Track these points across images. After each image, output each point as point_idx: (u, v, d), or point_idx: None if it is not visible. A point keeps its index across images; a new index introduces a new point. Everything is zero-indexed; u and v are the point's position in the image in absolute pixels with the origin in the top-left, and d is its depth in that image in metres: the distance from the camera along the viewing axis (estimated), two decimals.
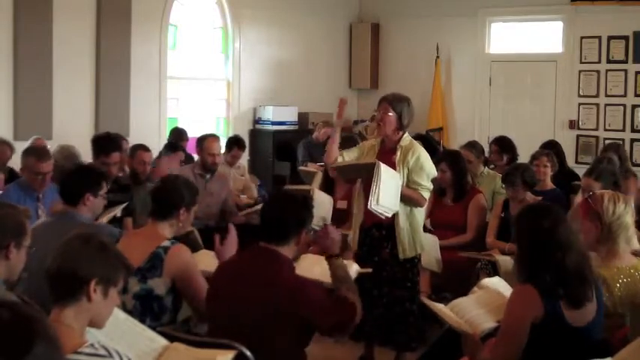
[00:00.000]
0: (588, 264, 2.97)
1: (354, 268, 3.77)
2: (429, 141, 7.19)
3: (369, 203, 4.21)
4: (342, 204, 5.95)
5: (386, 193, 4.22)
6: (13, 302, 1.67)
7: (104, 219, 4.47)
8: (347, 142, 6.05)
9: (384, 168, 4.26)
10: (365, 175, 4.35)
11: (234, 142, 7.44)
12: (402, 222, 4.50)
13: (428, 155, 4.61)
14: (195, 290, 3.39)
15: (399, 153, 4.52)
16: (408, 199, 4.47)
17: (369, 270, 4.18)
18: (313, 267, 3.67)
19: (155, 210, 3.57)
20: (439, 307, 3.27)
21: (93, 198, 3.84)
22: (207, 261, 3.74)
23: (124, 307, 3.32)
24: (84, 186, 3.84)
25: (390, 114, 4.53)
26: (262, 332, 2.98)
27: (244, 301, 3.03)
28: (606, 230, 3.34)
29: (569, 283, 2.85)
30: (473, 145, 6.46)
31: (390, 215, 4.33)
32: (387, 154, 4.55)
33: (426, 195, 4.55)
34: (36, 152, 5.14)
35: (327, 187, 6.07)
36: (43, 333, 1.58)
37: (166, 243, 3.45)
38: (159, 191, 3.65)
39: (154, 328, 2.94)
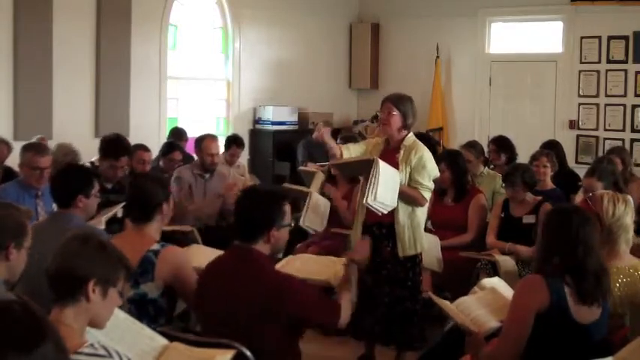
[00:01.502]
0: (606, 272, 2.99)
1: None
2: (429, 140, 7.18)
3: (365, 198, 4.21)
4: (343, 204, 5.95)
5: (384, 190, 4.22)
6: (25, 300, 1.68)
7: (102, 218, 4.45)
8: (348, 142, 6.07)
9: (382, 164, 4.26)
10: (364, 172, 4.36)
11: (233, 141, 7.44)
12: (403, 220, 4.50)
13: (431, 155, 4.62)
14: (190, 289, 3.35)
15: (402, 152, 4.53)
16: (408, 197, 4.47)
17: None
18: (306, 266, 3.67)
19: (138, 215, 3.50)
20: (446, 304, 3.27)
21: (85, 199, 3.77)
22: (200, 257, 3.73)
23: None
24: (75, 188, 3.76)
25: (394, 113, 4.55)
26: (252, 329, 2.97)
27: (230, 301, 3.03)
28: (606, 232, 3.34)
29: (585, 280, 2.88)
30: (472, 145, 6.47)
31: (386, 212, 4.33)
32: (391, 153, 4.57)
33: (427, 195, 4.55)
34: (34, 147, 5.14)
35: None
36: (52, 333, 1.59)
37: (156, 246, 3.39)
38: (134, 197, 3.57)
39: (152, 330, 2.93)
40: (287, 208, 3.19)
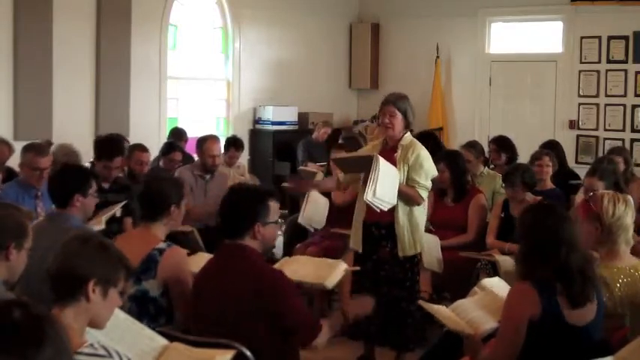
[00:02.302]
0: (591, 264, 2.98)
1: (342, 267, 3.76)
2: (434, 138, 7.19)
3: (364, 195, 4.21)
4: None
5: (383, 187, 4.22)
6: (26, 302, 1.67)
7: (102, 218, 4.45)
8: (348, 142, 6.10)
9: (382, 161, 4.26)
10: (364, 169, 4.36)
11: (232, 144, 7.43)
12: (402, 220, 4.50)
13: (428, 154, 4.62)
14: (184, 294, 3.36)
15: (399, 151, 4.54)
16: (405, 196, 4.46)
17: (357, 267, 4.19)
18: (302, 268, 3.66)
19: (145, 213, 3.53)
20: (437, 309, 3.27)
21: (82, 198, 3.77)
22: (202, 264, 3.74)
23: (120, 309, 3.32)
24: (72, 187, 3.76)
25: (396, 115, 4.55)
26: (241, 326, 2.96)
27: (221, 298, 3.03)
28: (606, 232, 3.34)
29: (572, 282, 2.86)
30: (472, 145, 6.46)
31: (386, 209, 4.32)
32: (389, 152, 4.57)
33: (424, 194, 4.54)
34: (35, 148, 5.15)
35: None
36: (54, 334, 1.58)
37: (162, 245, 3.43)
38: (146, 194, 3.59)
39: (152, 329, 2.93)
40: (272, 204, 3.17)
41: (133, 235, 3.61)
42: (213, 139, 6.36)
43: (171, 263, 3.38)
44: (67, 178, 3.85)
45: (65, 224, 3.63)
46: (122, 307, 3.27)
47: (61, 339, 1.61)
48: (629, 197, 3.57)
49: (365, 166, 4.31)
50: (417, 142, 4.65)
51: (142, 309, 3.35)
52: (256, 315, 2.97)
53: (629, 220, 3.38)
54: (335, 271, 3.63)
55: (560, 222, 2.95)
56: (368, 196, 4.19)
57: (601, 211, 3.35)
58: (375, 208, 4.29)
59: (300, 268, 3.63)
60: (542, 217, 2.99)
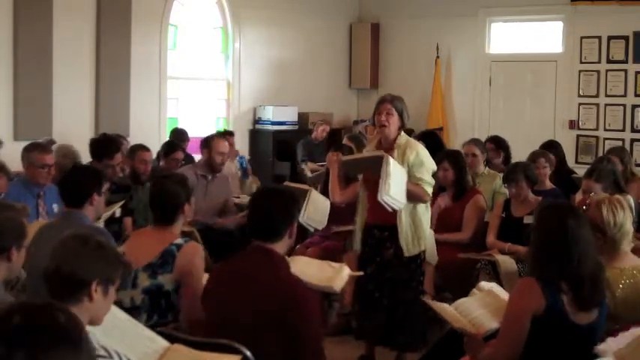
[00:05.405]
0: (602, 272, 2.98)
1: (345, 272, 3.74)
2: (436, 137, 7.19)
3: (379, 194, 4.16)
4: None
5: (395, 186, 4.21)
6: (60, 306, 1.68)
7: (102, 217, 4.46)
8: (353, 141, 6.11)
9: (392, 160, 4.25)
10: (373, 169, 4.33)
11: (223, 134, 7.48)
12: (404, 218, 4.49)
13: (426, 151, 4.63)
14: (193, 292, 3.35)
15: (396, 152, 4.53)
16: (413, 194, 4.44)
17: (360, 273, 4.16)
18: (307, 269, 3.66)
19: (160, 217, 3.55)
20: (442, 307, 3.27)
21: (98, 197, 3.83)
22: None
23: (133, 302, 3.35)
24: (90, 186, 3.81)
25: (393, 114, 4.56)
26: (258, 333, 2.95)
27: (240, 303, 3.01)
28: (610, 242, 3.33)
29: (582, 286, 2.86)
30: (477, 140, 6.51)
31: (398, 208, 4.31)
32: (386, 153, 4.56)
33: (429, 190, 4.54)
34: (38, 146, 5.19)
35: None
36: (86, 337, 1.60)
37: (179, 241, 3.48)
38: (157, 199, 3.61)
39: (157, 326, 2.93)
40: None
41: (149, 232, 3.64)
42: (220, 136, 6.49)
43: (187, 259, 3.42)
44: (83, 178, 3.89)
45: (80, 223, 3.66)
46: (135, 300, 3.31)
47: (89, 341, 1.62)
48: (628, 197, 3.55)
49: (375, 166, 4.28)
50: (413, 140, 4.66)
51: (153, 302, 3.39)
52: (273, 324, 2.95)
53: (629, 224, 3.37)
54: (341, 275, 3.62)
55: (580, 225, 2.91)
56: (383, 195, 4.15)
57: (602, 223, 3.32)
58: (388, 208, 4.25)
59: (305, 269, 3.62)
60: (563, 216, 2.93)
